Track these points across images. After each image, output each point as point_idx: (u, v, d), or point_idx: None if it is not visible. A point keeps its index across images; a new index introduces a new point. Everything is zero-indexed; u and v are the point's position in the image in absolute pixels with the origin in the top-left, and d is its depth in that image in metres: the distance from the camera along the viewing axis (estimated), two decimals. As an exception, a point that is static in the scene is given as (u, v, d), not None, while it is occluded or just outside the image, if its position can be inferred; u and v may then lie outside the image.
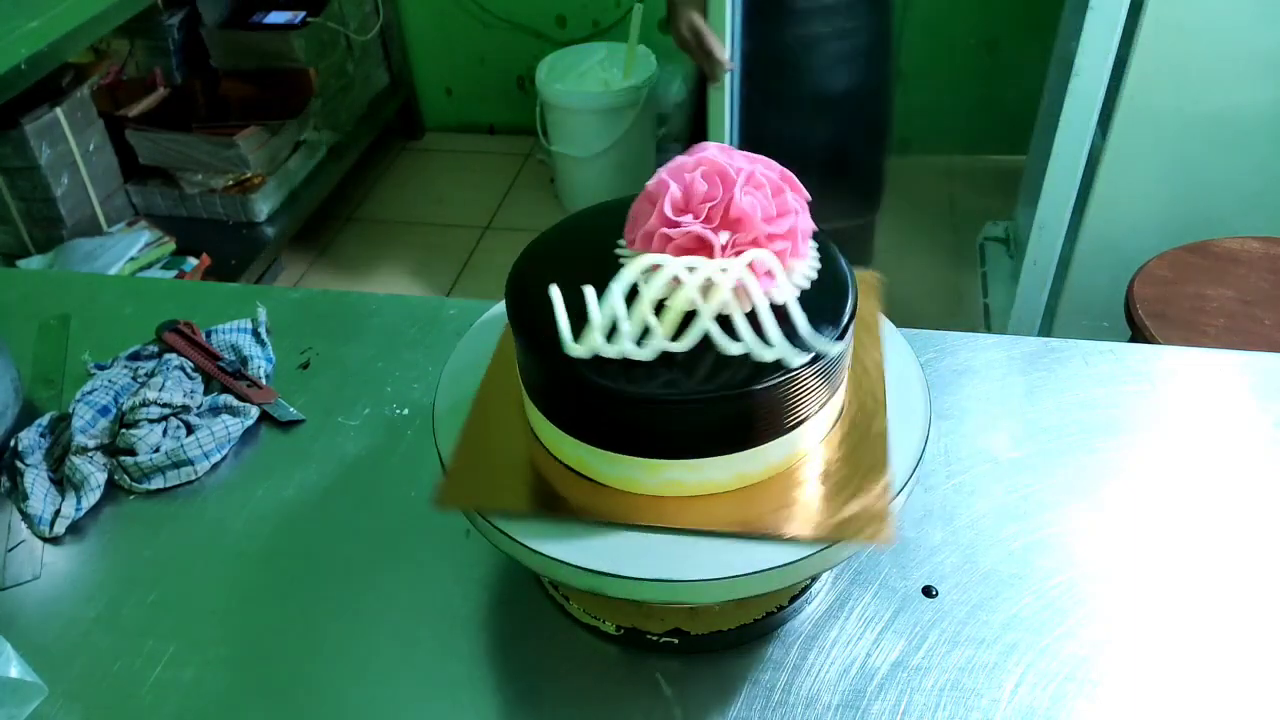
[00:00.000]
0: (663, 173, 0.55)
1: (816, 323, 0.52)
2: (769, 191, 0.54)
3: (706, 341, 0.51)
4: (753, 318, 0.51)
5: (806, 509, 0.54)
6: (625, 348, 0.51)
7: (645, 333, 0.51)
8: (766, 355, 0.50)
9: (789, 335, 0.51)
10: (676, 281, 0.52)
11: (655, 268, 0.52)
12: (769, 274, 0.53)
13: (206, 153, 2.09)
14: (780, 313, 0.52)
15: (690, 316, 0.51)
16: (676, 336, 0.51)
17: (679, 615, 0.61)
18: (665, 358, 0.51)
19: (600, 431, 0.53)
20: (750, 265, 0.52)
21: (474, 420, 0.60)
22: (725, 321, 0.51)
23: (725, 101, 1.48)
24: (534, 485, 0.57)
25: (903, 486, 0.55)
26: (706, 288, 0.51)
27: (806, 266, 0.56)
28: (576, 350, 0.51)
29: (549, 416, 0.56)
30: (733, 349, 0.50)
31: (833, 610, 0.64)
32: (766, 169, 0.55)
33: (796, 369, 0.50)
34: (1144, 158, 1.53)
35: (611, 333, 0.51)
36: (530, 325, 0.54)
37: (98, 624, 0.66)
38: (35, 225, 1.90)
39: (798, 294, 0.54)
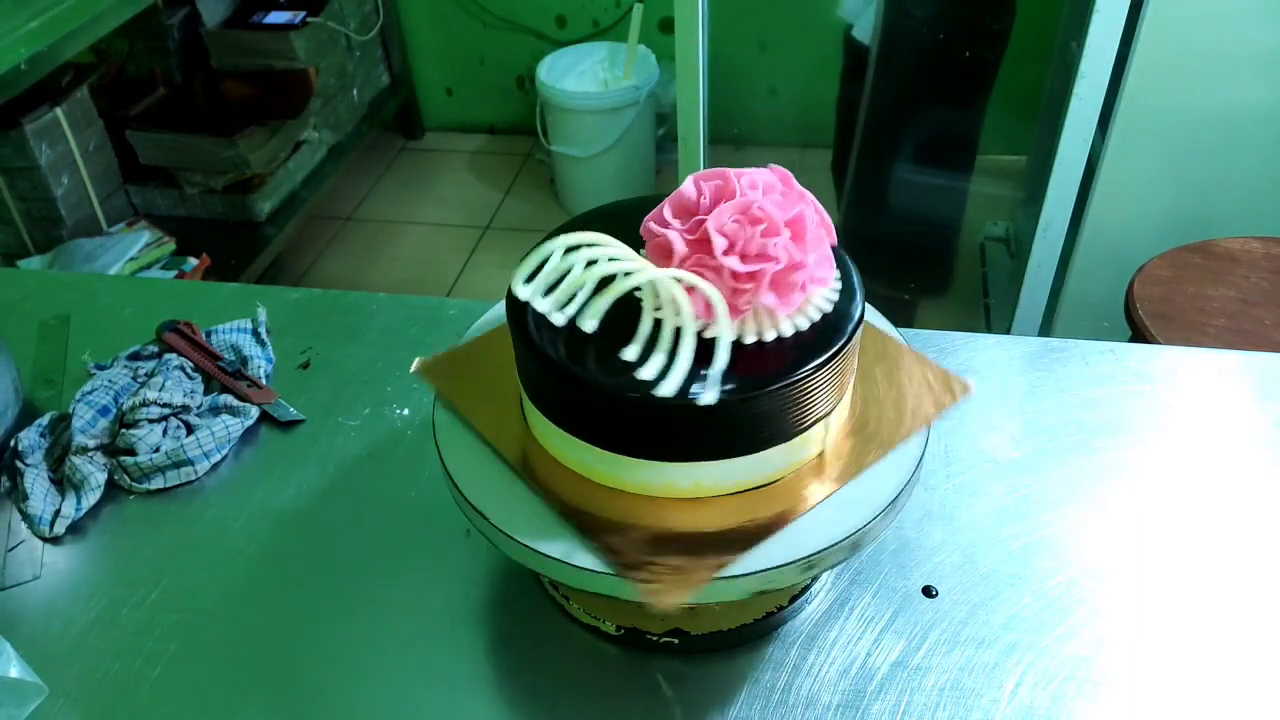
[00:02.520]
0: (697, 176, 0.55)
1: (745, 373, 0.51)
2: (761, 230, 0.52)
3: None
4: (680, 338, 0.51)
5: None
6: (546, 307, 0.53)
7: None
8: (642, 371, 0.50)
9: (699, 370, 0.50)
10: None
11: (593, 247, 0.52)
12: (708, 305, 0.51)
13: (206, 153, 2.09)
14: (709, 345, 0.51)
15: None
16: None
17: (679, 615, 0.61)
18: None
19: (597, 432, 0.54)
20: (689, 290, 0.51)
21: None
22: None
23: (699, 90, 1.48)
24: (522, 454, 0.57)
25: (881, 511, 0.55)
26: (616, 277, 0.51)
27: (786, 320, 0.54)
28: (520, 292, 0.53)
29: (543, 410, 0.56)
30: (627, 352, 0.51)
31: (833, 610, 0.64)
32: (784, 206, 0.53)
33: (674, 400, 0.50)
34: (1144, 158, 1.53)
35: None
36: (529, 327, 0.54)
37: (98, 624, 0.66)
38: (35, 225, 1.90)
39: (753, 339, 0.53)
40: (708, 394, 0.49)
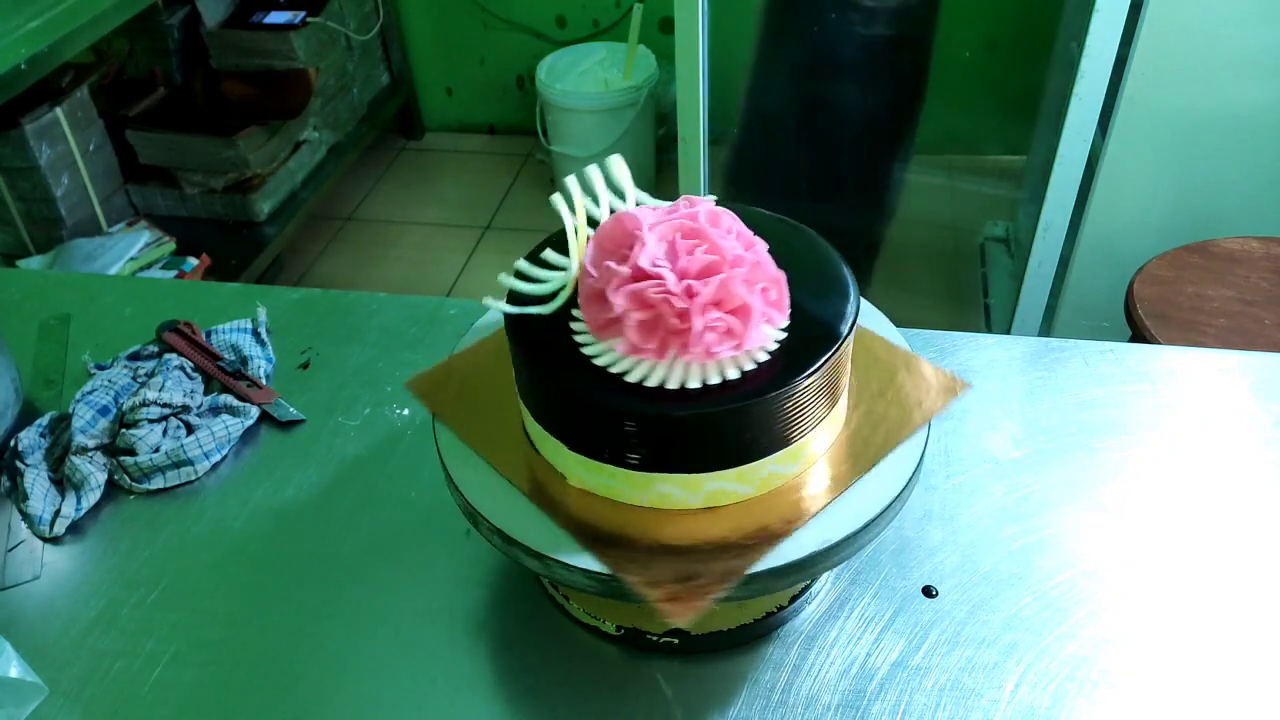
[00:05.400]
0: (694, 203, 0.55)
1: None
2: (623, 250, 0.52)
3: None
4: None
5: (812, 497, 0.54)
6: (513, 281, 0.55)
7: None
8: (520, 263, 0.55)
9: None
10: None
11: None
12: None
13: (206, 153, 2.09)
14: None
15: None
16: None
17: (679, 615, 0.61)
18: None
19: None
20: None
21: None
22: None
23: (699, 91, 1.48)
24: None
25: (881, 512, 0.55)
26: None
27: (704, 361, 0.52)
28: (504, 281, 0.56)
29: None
30: (519, 263, 0.55)
31: (833, 610, 0.64)
32: (662, 248, 0.52)
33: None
34: (1144, 158, 1.53)
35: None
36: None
37: (98, 624, 0.66)
38: (35, 225, 1.90)
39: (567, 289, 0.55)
40: (495, 303, 0.54)
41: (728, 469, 0.53)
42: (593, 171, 0.56)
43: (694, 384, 0.51)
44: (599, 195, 0.56)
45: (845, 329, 0.54)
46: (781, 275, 0.53)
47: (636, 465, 0.53)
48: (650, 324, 0.50)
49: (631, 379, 0.51)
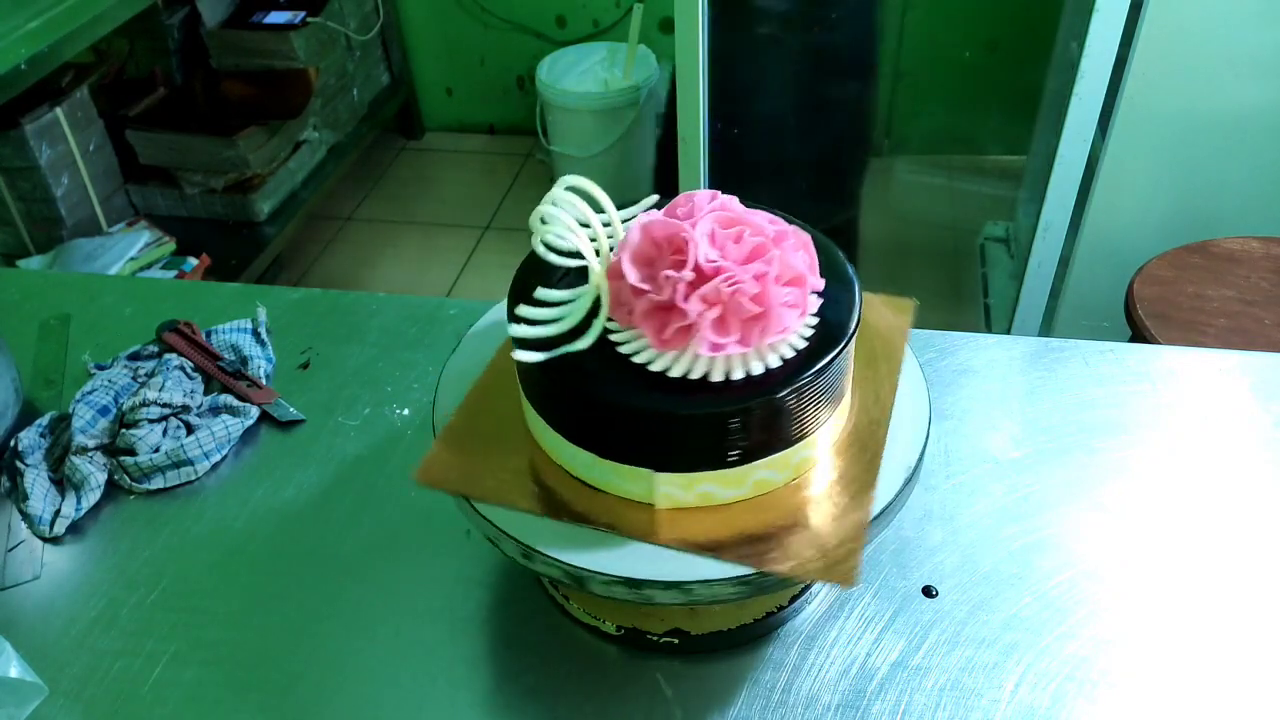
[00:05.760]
0: (693, 197, 0.55)
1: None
2: (671, 261, 0.51)
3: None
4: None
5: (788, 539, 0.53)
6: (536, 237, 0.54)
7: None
8: (523, 309, 0.53)
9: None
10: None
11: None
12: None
13: (206, 153, 2.09)
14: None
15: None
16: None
17: (679, 615, 0.61)
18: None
19: (597, 439, 0.54)
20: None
21: (469, 405, 0.61)
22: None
23: (699, 92, 1.47)
24: (534, 481, 0.57)
25: (881, 512, 0.54)
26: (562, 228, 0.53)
27: (660, 352, 0.52)
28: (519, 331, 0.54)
29: (547, 419, 0.56)
30: (542, 291, 0.53)
31: (833, 610, 0.64)
32: (718, 254, 0.51)
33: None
34: (1144, 158, 1.53)
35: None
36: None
37: (98, 624, 0.66)
38: (35, 225, 1.90)
39: (602, 329, 0.53)
40: (528, 355, 0.51)
41: (727, 469, 0.53)
42: (566, 196, 0.54)
43: (759, 369, 0.52)
44: (584, 216, 0.55)
45: (853, 320, 0.55)
46: (808, 238, 0.55)
47: (630, 459, 0.53)
48: (725, 318, 0.51)
49: (715, 376, 0.51)
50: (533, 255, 0.56)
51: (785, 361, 0.52)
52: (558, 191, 0.53)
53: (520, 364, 0.55)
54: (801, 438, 0.54)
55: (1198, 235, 1.40)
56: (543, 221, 0.53)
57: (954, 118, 2.54)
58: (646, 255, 0.52)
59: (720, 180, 1.63)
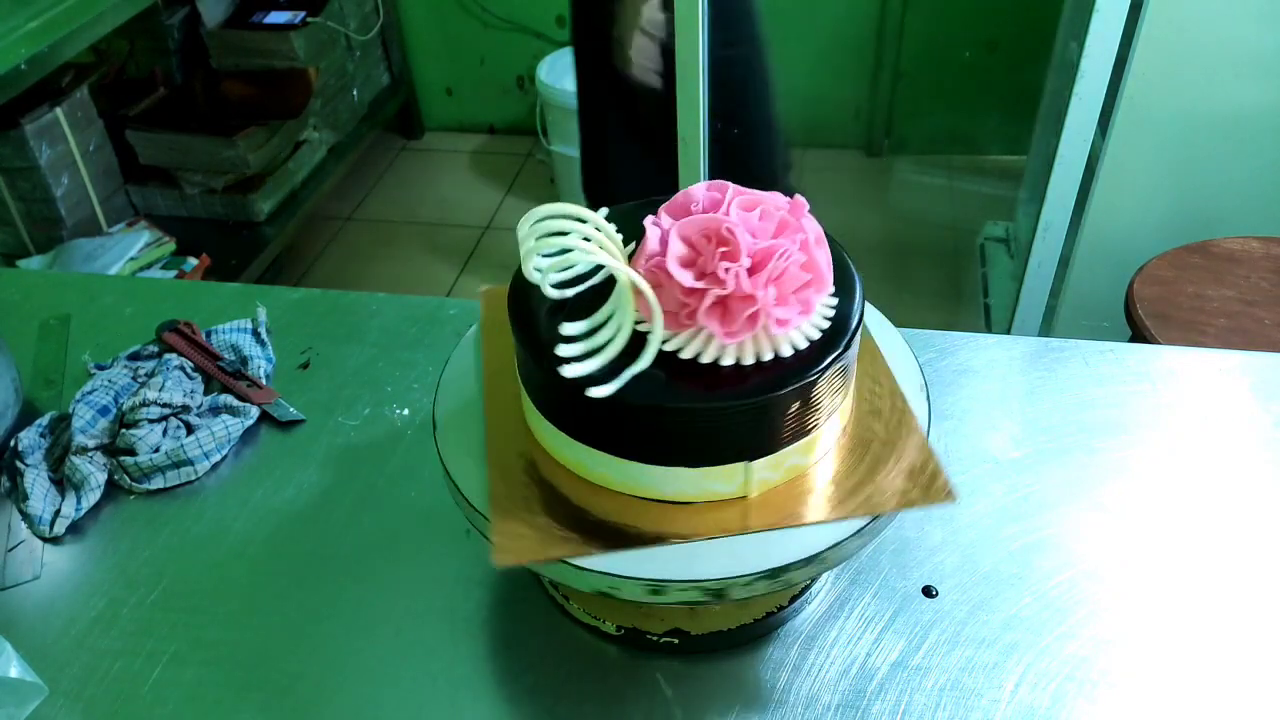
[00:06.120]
0: (713, 184, 0.55)
1: (744, 378, 0.51)
2: (721, 252, 0.51)
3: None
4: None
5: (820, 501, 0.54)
6: (542, 278, 0.54)
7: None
8: (561, 349, 0.51)
9: (619, 360, 0.51)
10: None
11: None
12: (647, 308, 0.52)
13: (206, 153, 2.09)
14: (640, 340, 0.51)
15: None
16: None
17: (679, 615, 0.61)
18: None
19: (691, 452, 0.53)
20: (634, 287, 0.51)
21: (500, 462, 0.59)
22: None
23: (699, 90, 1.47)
24: (581, 520, 0.55)
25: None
26: (584, 254, 0.52)
27: (730, 345, 0.52)
28: (532, 276, 0.54)
29: (547, 416, 0.56)
30: (567, 326, 0.52)
31: (833, 610, 0.64)
32: (755, 235, 0.52)
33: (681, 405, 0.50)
34: (1144, 158, 1.53)
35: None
36: (532, 332, 0.54)
37: (98, 624, 0.66)
38: (35, 225, 1.90)
39: (690, 356, 0.52)
40: (603, 388, 0.49)
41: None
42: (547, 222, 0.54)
43: (815, 335, 0.53)
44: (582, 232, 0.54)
45: (855, 319, 0.55)
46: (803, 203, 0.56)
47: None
48: (782, 293, 0.52)
49: (785, 352, 0.52)
50: (519, 282, 0.56)
51: (829, 324, 0.55)
52: (543, 224, 0.53)
53: (586, 411, 0.53)
54: (847, 392, 0.56)
55: (1198, 235, 1.40)
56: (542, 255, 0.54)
57: (954, 118, 2.55)
58: (689, 256, 0.53)
59: (596, 193, 1.61)
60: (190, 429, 0.78)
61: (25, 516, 0.73)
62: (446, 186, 2.70)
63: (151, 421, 0.77)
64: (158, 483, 0.76)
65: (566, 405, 0.54)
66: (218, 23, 2.31)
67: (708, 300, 0.51)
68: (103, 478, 0.75)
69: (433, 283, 2.34)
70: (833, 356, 0.53)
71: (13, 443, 0.78)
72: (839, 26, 2.49)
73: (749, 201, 0.54)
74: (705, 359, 0.52)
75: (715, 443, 0.52)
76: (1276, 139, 1.48)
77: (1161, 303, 1.27)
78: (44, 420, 0.80)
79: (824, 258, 0.54)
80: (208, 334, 0.88)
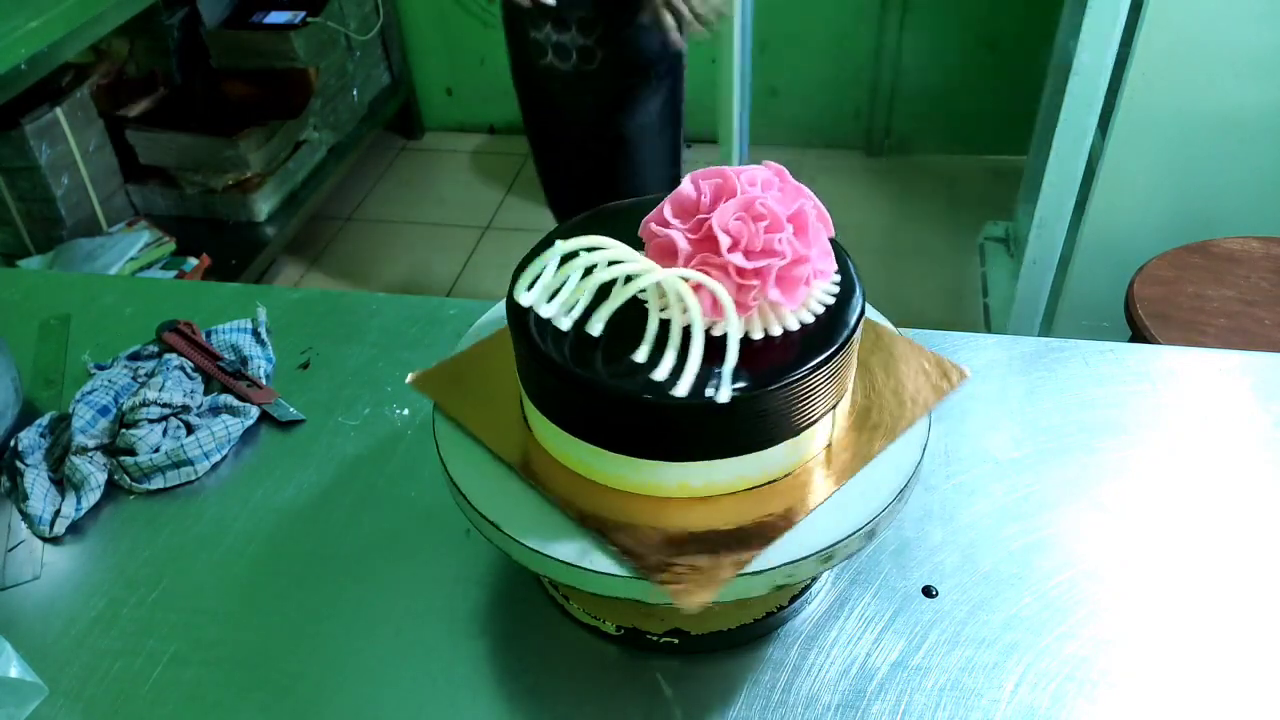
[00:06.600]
0: (696, 175, 0.55)
1: (755, 369, 0.51)
2: (764, 226, 0.52)
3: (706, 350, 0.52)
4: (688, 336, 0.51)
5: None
6: (551, 312, 0.53)
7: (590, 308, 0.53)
8: (656, 373, 0.50)
9: (712, 368, 0.50)
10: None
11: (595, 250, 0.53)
12: (717, 304, 0.52)
13: (206, 153, 2.09)
14: (717, 343, 0.51)
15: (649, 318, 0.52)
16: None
17: (679, 615, 0.61)
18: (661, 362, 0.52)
19: (607, 434, 0.53)
20: (695, 287, 0.51)
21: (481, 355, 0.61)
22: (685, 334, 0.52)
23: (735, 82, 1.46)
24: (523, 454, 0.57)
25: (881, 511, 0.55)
26: (626, 280, 0.52)
27: (792, 313, 0.54)
28: (523, 299, 0.53)
29: (540, 406, 0.56)
30: (637, 353, 0.51)
31: (833, 610, 0.64)
32: (783, 203, 0.53)
33: (685, 399, 0.50)
34: (1144, 158, 1.53)
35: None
36: (533, 332, 0.54)
37: (98, 624, 0.66)
38: (35, 225, 1.90)
39: (761, 335, 0.53)
40: (722, 392, 0.50)
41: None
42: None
43: (820, 307, 0.55)
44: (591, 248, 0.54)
45: (854, 316, 0.55)
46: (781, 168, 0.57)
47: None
48: (821, 247, 0.55)
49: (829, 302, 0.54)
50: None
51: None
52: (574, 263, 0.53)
53: (523, 364, 0.54)
54: (793, 433, 0.55)
55: (1198, 235, 1.40)
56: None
57: (954, 118, 2.55)
58: (737, 243, 0.53)
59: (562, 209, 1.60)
60: (190, 429, 0.78)
61: (25, 516, 0.73)
62: (446, 186, 2.70)
63: (151, 421, 0.77)
64: (158, 483, 0.76)
65: (573, 411, 0.54)
66: (218, 23, 2.31)
67: (772, 275, 0.52)
68: (103, 478, 0.75)
69: (433, 283, 2.34)
70: (859, 309, 0.55)
71: (13, 443, 0.78)
72: (839, 26, 2.49)
73: (750, 178, 0.55)
74: (775, 333, 0.53)
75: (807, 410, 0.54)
76: (1276, 139, 1.48)
77: (1161, 303, 1.27)
78: (44, 420, 0.80)
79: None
80: (208, 334, 0.88)
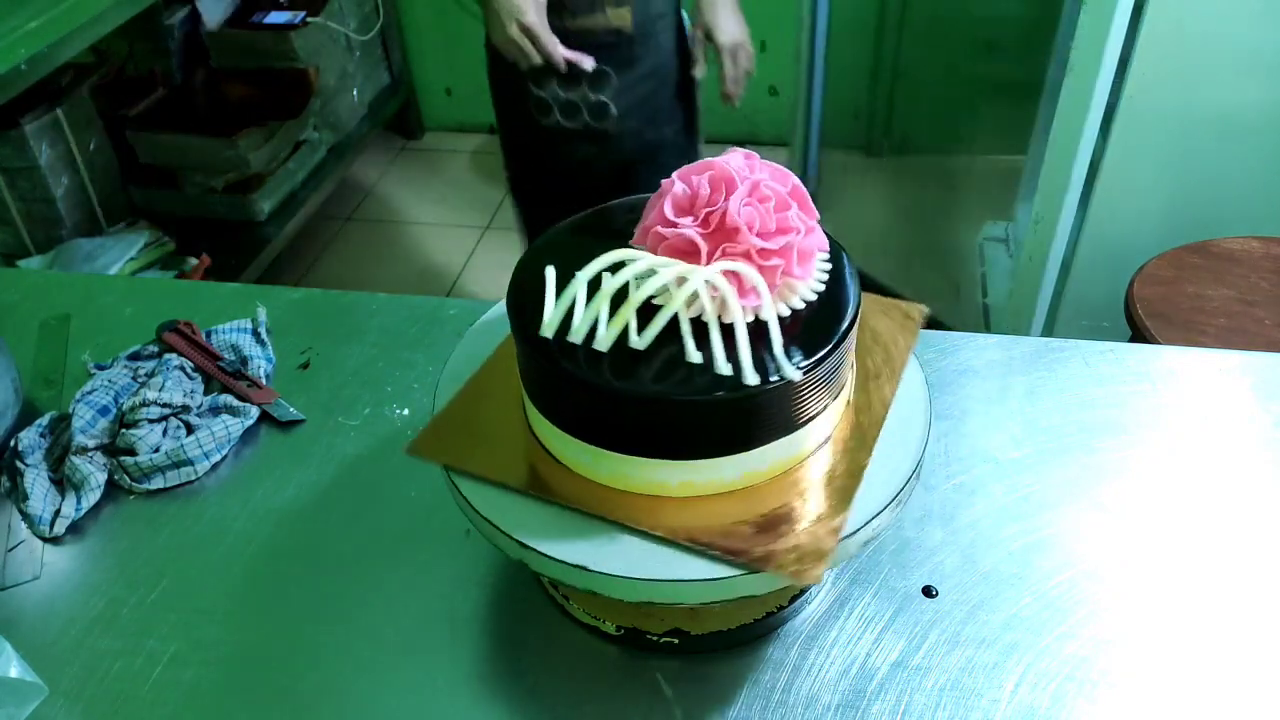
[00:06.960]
0: (678, 173, 0.55)
1: (795, 345, 0.52)
2: (772, 206, 0.54)
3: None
4: (729, 330, 0.51)
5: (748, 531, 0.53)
6: (604, 346, 0.52)
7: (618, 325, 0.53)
8: (724, 368, 0.50)
9: (761, 353, 0.51)
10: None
11: (621, 265, 0.52)
12: (754, 290, 0.52)
13: (206, 153, 2.09)
14: (760, 329, 0.52)
15: (655, 312, 0.52)
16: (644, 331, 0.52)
17: (679, 615, 0.61)
18: (665, 359, 0.51)
19: (590, 428, 0.54)
20: (732, 278, 0.52)
21: (469, 393, 0.61)
22: (704, 329, 0.52)
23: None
24: (529, 469, 0.57)
25: (867, 522, 0.54)
26: (671, 286, 0.52)
27: (806, 287, 0.56)
28: (545, 331, 0.52)
29: (543, 411, 0.56)
30: (693, 355, 0.51)
31: (833, 610, 0.64)
32: (776, 181, 0.55)
33: (758, 387, 0.50)
34: (1144, 158, 1.53)
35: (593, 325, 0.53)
36: (529, 321, 0.54)
37: (98, 624, 0.66)
38: (35, 225, 1.90)
39: (787, 313, 0.54)
40: (789, 370, 0.50)
41: (729, 455, 0.53)
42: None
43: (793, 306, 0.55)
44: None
45: (851, 311, 0.55)
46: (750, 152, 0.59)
47: (682, 453, 0.53)
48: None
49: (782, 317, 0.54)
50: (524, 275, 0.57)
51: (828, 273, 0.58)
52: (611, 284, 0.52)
53: (542, 379, 0.54)
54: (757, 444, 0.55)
55: (1198, 235, 1.40)
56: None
57: (954, 118, 2.55)
58: (764, 230, 0.54)
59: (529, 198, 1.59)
60: (190, 429, 0.78)
61: (25, 516, 0.73)
62: (446, 186, 2.70)
63: (151, 421, 0.77)
64: (158, 483, 0.76)
65: (543, 386, 0.54)
66: (218, 23, 2.31)
67: (794, 251, 0.54)
68: (103, 478, 0.75)
69: (433, 283, 2.34)
70: (853, 269, 0.57)
71: (13, 443, 0.78)
72: (838, 26, 2.49)
73: (737, 165, 0.55)
74: (798, 306, 0.55)
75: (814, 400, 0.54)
76: (1276, 139, 1.48)
77: (1161, 303, 1.27)
78: (44, 420, 0.80)
79: None
80: (208, 334, 0.88)
